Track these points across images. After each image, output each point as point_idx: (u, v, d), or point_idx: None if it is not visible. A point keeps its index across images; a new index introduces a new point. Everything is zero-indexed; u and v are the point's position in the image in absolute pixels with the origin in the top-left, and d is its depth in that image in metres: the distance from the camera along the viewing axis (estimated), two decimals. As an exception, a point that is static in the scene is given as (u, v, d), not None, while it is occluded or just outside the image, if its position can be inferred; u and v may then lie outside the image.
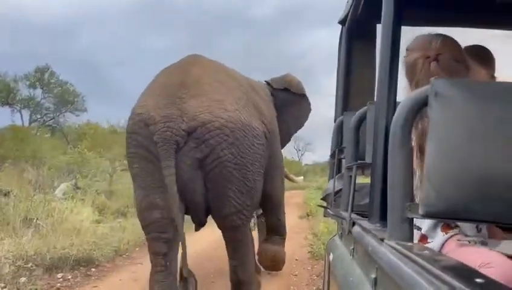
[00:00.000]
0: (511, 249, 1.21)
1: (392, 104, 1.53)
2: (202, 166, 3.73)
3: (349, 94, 2.97)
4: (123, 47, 79.13)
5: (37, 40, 57.48)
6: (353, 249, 1.81)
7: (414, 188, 1.26)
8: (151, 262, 3.92)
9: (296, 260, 6.93)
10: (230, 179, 3.83)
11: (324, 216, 3.14)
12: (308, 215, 12.79)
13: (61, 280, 5.35)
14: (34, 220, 7.06)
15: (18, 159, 14.94)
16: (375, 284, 1.27)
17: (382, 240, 1.24)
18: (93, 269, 5.91)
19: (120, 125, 27.70)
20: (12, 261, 5.26)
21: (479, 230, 1.35)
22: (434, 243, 1.34)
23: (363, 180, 2.18)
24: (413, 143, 1.40)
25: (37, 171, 11.81)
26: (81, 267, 5.82)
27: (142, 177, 3.79)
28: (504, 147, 0.99)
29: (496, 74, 2.08)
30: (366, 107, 2.05)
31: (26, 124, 30.65)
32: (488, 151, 1.00)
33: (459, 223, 1.34)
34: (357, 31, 2.83)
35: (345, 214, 1.99)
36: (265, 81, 5.81)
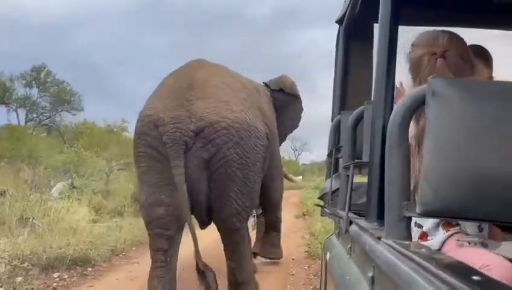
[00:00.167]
0: (511, 252, 1.21)
1: (389, 103, 1.53)
2: (208, 166, 3.84)
3: (346, 93, 2.97)
4: (120, 47, 78.94)
5: (34, 40, 57.27)
6: (350, 248, 1.82)
7: (413, 186, 1.26)
8: (152, 258, 3.98)
9: (293, 259, 6.93)
10: (234, 179, 3.93)
11: (321, 215, 3.15)
12: (304, 214, 12.81)
13: (57, 279, 5.34)
14: (30, 220, 7.04)
15: (14, 158, 14.89)
16: (372, 283, 1.28)
17: (379, 238, 1.25)
18: (89, 269, 5.90)
19: (117, 125, 27.62)
20: (9, 260, 5.24)
21: (480, 230, 1.35)
22: (434, 240, 1.34)
23: (360, 179, 2.18)
24: (413, 141, 1.40)
25: (33, 170, 11.78)
26: (78, 267, 5.81)
27: (149, 175, 3.89)
28: (500, 146, 0.99)
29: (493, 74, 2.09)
30: (363, 107, 2.05)
31: (22, 123, 30.53)
32: (485, 150, 1.00)
33: (459, 221, 1.34)
34: (355, 31, 2.83)
35: (342, 213, 1.99)
36: (263, 82, 5.92)
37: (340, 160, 2.57)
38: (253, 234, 6.39)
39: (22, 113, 32.26)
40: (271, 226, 6.40)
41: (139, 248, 7.52)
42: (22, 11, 57.69)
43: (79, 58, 63.60)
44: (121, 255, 6.86)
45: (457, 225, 1.34)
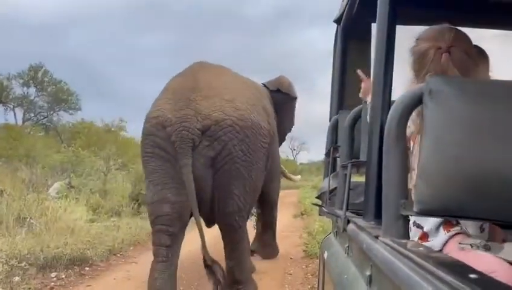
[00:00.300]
0: None
1: (387, 102, 1.54)
2: (213, 164, 3.97)
3: (344, 93, 2.97)
4: (118, 46, 78.82)
5: (32, 39, 57.13)
6: (348, 247, 1.82)
7: (413, 184, 1.25)
8: (154, 254, 4.04)
9: (291, 258, 6.94)
10: (238, 176, 4.06)
11: (319, 215, 3.16)
12: (302, 214, 12.80)
13: (54, 279, 5.32)
14: (28, 219, 7.02)
15: (11, 158, 14.86)
16: (370, 282, 1.28)
17: (377, 237, 1.25)
18: (87, 268, 5.88)
19: (115, 124, 27.58)
20: (6, 260, 5.22)
21: (481, 230, 1.34)
22: (435, 241, 1.33)
23: (358, 178, 2.19)
24: (412, 141, 1.39)
25: (31, 170, 11.76)
26: (75, 267, 5.79)
27: (156, 175, 4.00)
28: (497, 144, 1.00)
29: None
30: (361, 106, 2.06)
31: (20, 122, 30.46)
32: (482, 148, 1.00)
33: (460, 221, 1.33)
34: (353, 30, 2.83)
35: (340, 212, 1.99)
36: (262, 83, 5.99)
37: (338, 159, 2.57)
38: (253, 234, 6.42)
39: (19, 112, 32.20)
40: (267, 225, 6.55)
41: (136, 247, 7.52)
42: (19, 10, 57.57)
43: (76, 58, 63.49)
44: (118, 255, 6.84)
45: (458, 224, 1.33)
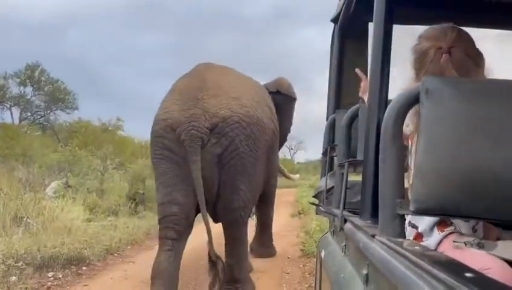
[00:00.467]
0: (509, 252, 1.21)
1: (384, 101, 1.54)
2: (220, 160, 4.11)
3: (341, 92, 2.98)
4: (115, 45, 78.66)
5: (28, 38, 56.91)
6: (345, 245, 1.82)
7: (410, 183, 1.26)
8: (160, 245, 4.16)
9: (288, 258, 6.95)
10: (244, 172, 4.21)
11: (316, 214, 3.16)
12: (300, 213, 12.82)
13: (52, 278, 5.31)
14: (25, 219, 7.00)
15: (8, 157, 14.80)
16: (367, 281, 1.28)
17: (373, 236, 1.25)
18: (84, 268, 5.87)
19: (112, 124, 27.53)
20: (3, 260, 5.21)
21: (474, 231, 1.35)
22: (429, 241, 1.33)
23: (355, 177, 2.19)
24: (411, 141, 1.39)
25: (28, 169, 11.72)
26: (72, 266, 5.78)
27: (166, 177, 4.16)
28: (493, 144, 1.00)
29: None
30: (358, 105, 2.06)
31: (17, 122, 30.36)
32: (478, 148, 1.01)
33: (453, 221, 1.34)
34: (350, 29, 2.83)
35: (337, 211, 2.00)
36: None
37: (335, 158, 2.58)
38: (253, 233, 6.44)
39: (16, 112, 32.11)
40: (264, 224, 6.60)
41: (134, 247, 7.51)
42: (17, 10, 57.33)
43: (73, 57, 63.37)
44: (115, 254, 6.84)
45: (452, 224, 1.34)
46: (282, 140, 6.41)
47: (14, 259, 5.32)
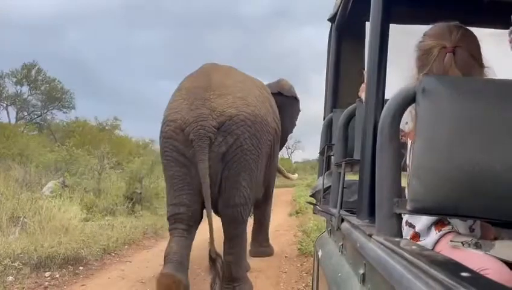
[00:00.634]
0: (506, 252, 1.21)
1: (381, 101, 1.54)
2: (224, 157, 4.26)
3: (338, 91, 2.98)
4: (111, 44, 78.49)
5: (25, 38, 56.72)
6: (342, 245, 1.82)
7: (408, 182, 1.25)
8: (170, 235, 4.43)
9: (286, 257, 6.95)
10: (246, 168, 4.35)
11: (313, 213, 3.16)
12: (297, 212, 12.82)
13: (49, 278, 5.30)
14: (21, 219, 6.98)
15: (4, 156, 14.73)
16: (364, 280, 1.28)
17: (370, 235, 1.25)
18: (81, 268, 5.86)
19: (109, 123, 27.46)
20: (-1, 260, 5.19)
21: (471, 230, 1.34)
22: (426, 241, 1.33)
23: (352, 177, 2.19)
24: (410, 139, 1.39)
25: (24, 169, 11.67)
26: (69, 266, 5.76)
27: (175, 180, 4.39)
28: (490, 142, 1.00)
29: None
30: (355, 104, 2.06)
31: (13, 121, 30.24)
32: (475, 147, 1.01)
33: (451, 220, 1.34)
34: (347, 29, 2.83)
35: (334, 211, 2.00)
36: None
37: (332, 158, 2.58)
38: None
39: (12, 111, 31.96)
40: (261, 223, 6.65)
41: (131, 246, 7.49)
42: (12, 9, 57.12)
43: (70, 56, 63.17)
44: (112, 254, 6.82)
45: (449, 224, 1.34)
46: (283, 141, 6.54)
47: (10, 259, 5.30)
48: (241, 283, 4.60)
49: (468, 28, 1.48)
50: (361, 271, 1.30)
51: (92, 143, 18.11)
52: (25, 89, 32.63)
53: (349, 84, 2.92)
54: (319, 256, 2.35)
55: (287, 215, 12.64)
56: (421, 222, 1.35)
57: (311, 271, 3.85)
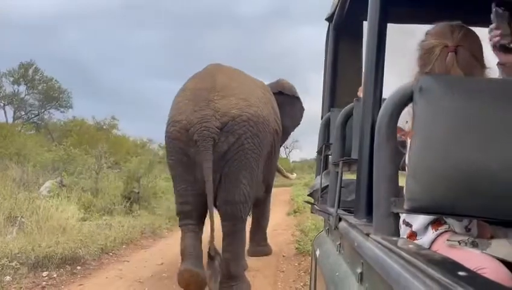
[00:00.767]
0: (502, 251, 1.21)
1: (378, 100, 1.54)
2: (225, 156, 4.39)
3: (336, 91, 2.98)
4: (109, 43, 78.29)
5: (22, 37, 56.51)
6: (339, 244, 1.83)
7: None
8: (182, 231, 4.67)
9: (284, 256, 6.96)
10: (247, 167, 4.47)
11: (311, 212, 3.16)
12: (295, 212, 12.83)
13: (46, 278, 5.29)
14: (19, 218, 6.96)
15: (2, 156, 14.67)
16: (361, 279, 1.28)
17: (368, 235, 1.25)
18: (78, 267, 5.85)
19: (106, 122, 27.40)
20: (-4, 259, 5.18)
21: (467, 230, 1.35)
22: (423, 240, 1.34)
23: (350, 176, 2.19)
24: (409, 138, 1.39)
25: (22, 168, 11.63)
26: (67, 266, 5.75)
27: (180, 180, 4.62)
28: (487, 141, 1.00)
29: None
30: (352, 104, 2.06)
31: (10, 121, 30.15)
32: (472, 146, 1.01)
33: (447, 220, 1.34)
34: (344, 28, 2.84)
35: (332, 210, 2.00)
36: None
37: (330, 157, 2.58)
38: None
39: (9, 110, 31.86)
40: (259, 222, 6.68)
41: (129, 246, 7.49)
42: (10, 8, 56.93)
43: (67, 56, 63.03)
44: (110, 254, 6.81)
45: (446, 223, 1.34)
46: (283, 139, 6.67)
47: (8, 259, 5.29)
48: (239, 282, 4.61)
49: (470, 28, 1.48)
50: (359, 270, 1.30)
51: (90, 142, 18.06)
52: (22, 88, 32.55)
53: (347, 84, 2.93)
54: (317, 255, 2.35)
55: (285, 215, 12.65)
56: (418, 221, 1.35)
57: (309, 270, 3.86)
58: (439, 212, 1.14)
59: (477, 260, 1.14)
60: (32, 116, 32.95)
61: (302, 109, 6.94)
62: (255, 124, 4.47)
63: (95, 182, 11.43)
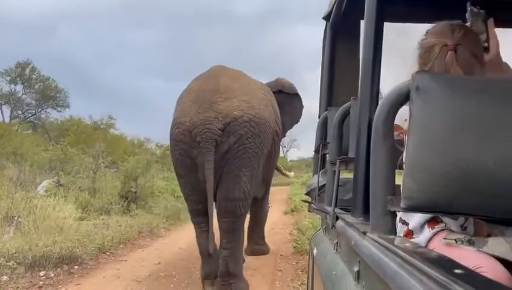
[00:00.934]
0: (499, 249, 1.21)
1: (375, 99, 1.54)
2: (225, 155, 4.51)
3: (333, 90, 2.98)
4: (106, 43, 78.10)
5: (19, 37, 56.30)
6: (337, 243, 1.83)
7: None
8: (195, 228, 4.90)
9: (281, 255, 6.97)
10: (247, 165, 4.58)
11: (308, 211, 3.17)
12: (293, 211, 12.84)
13: (43, 278, 5.28)
14: (16, 218, 6.94)
15: (-2, 155, 14.63)
16: (358, 278, 1.29)
17: (364, 233, 1.25)
18: (76, 267, 5.84)
19: (103, 122, 27.32)
20: (-7, 259, 5.16)
21: (463, 229, 1.35)
22: (419, 238, 1.34)
23: (347, 175, 2.20)
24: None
25: (19, 168, 11.59)
26: (64, 265, 5.75)
27: (185, 179, 4.82)
28: (483, 140, 1.00)
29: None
30: (349, 103, 2.06)
31: (7, 120, 30.03)
32: (468, 144, 1.01)
33: (444, 218, 1.34)
34: (341, 27, 2.83)
35: (329, 209, 2.00)
36: None
37: (327, 156, 2.58)
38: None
39: (6, 110, 31.74)
40: (257, 221, 6.69)
41: (126, 245, 7.48)
42: (7, 8, 56.64)
43: (64, 55, 62.86)
44: (108, 253, 6.81)
45: (442, 222, 1.34)
46: (282, 135, 6.68)
47: (5, 258, 5.28)
48: (237, 280, 4.63)
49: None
50: (356, 269, 1.30)
51: (87, 142, 18.03)
52: (19, 87, 32.39)
53: (344, 83, 2.93)
54: (314, 254, 2.35)
55: (283, 214, 12.67)
56: (414, 219, 1.35)
57: (307, 269, 3.87)
58: (435, 211, 1.14)
59: (474, 258, 1.14)
60: (29, 115, 32.83)
61: (302, 107, 7.01)
62: (256, 124, 4.58)
63: (92, 181, 11.41)
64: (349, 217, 1.61)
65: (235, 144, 4.50)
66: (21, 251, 5.56)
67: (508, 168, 0.99)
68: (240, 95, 4.69)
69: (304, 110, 7.08)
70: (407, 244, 1.04)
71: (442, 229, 1.31)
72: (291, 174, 10.04)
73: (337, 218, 1.82)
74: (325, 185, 2.44)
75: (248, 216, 6.67)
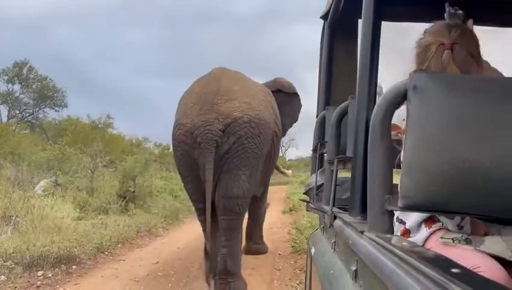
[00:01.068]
0: (496, 248, 1.21)
1: (373, 98, 1.54)
2: (225, 154, 4.59)
3: (331, 89, 2.98)
4: (103, 42, 77.97)
5: (16, 36, 56.13)
6: (334, 242, 1.83)
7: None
8: (203, 228, 4.91)
9: (280, 254, 6.97)
10: (247, 164, 4.66)
11: (307, 210, 3.17)
12: (291, 210, 12.85)
13: (41, 277, 5.27)
14: (13, 218, 6.92)
15: (-4, 155, 14.59)
16: (356, 277, 1.29)
17: (362, 232, 1.26)
18: (74, 267, 5.83)
19: (101, 121, 27.29)
20: (-9, 259, 5.15)
21: (460, 228, 1.35)
22: (416, 237, 1.34)
23: (345, 174, 2.20)
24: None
25: (16, 167, 11.56)
26: (62, 265, 5.74)
27: (188, 179, 4.92)
28: (480, 139, 1.01)
29: None
30: (347, 102, 2.06)
31: (5, 119, 29.96)
32: (465, 143, 1.01)
33: (441, 218, 1.34)
34: (339, 26, 2.83)
35: (327, 208, 2.00)
36: None
37: (325, 155, 2.58)
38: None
39: (4, 109, 31.66)
40: (256, 221, 6.71)
41: (124, 245, 7.47)
42: (4, 8, 56.48)
43: (62, 54, 62.72)
44: (106, 253, 6.80)
45: (439, 221, 1.34)
46: (282, 135, 6.71)
47: (3, 258, 5.27)
48: (236, 279, 4.63)
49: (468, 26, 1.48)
50: (354, 268, 1.30)
51: (85, 141, 17.99)
52: (17, 87, 32.31)
53: (342, 82, 2.93)
54: (312, 253, 2.36)
55: (281, 213, 12.67)
56: (412, 218, 1.35)
57: (305, 268, 3.87)
58: (433, 210, 1.14)
59: (472, 257, 1.14)
60: (27, 115, 32.75)
61: (300, 106, 7.03)
62: (256, 125, 4.67)
63: (90, 181, 11.39)
64: (347, 217, 1.61)
65: (235, 144, 4.57)
66: (19, 251, 5.55)
67: (505, 167, 0.99)
68: (240, 96, 4.77)
69: (302, 109, 7.09)
70: (404, 243, 1.04)
71: (439, 229, 1.31)
72: (289, 172, 10.10)
73: (335, 217, 1.82)
74: (323, 184, 2.44)
75: (246, 215, 6.70)
